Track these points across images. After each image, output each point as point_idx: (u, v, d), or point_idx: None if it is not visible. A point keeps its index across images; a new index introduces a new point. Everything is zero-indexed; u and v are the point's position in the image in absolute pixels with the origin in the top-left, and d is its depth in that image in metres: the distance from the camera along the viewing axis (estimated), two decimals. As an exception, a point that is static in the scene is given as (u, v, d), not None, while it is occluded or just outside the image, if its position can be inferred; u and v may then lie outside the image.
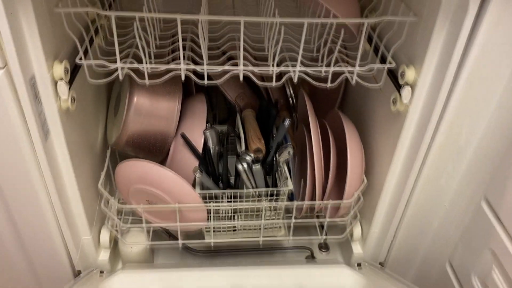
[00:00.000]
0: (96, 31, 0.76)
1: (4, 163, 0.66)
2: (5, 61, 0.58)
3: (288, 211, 0.91)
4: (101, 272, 0.90)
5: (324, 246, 1.04)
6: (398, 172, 0.81)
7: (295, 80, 0.71)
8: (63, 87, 0.66)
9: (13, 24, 0.56)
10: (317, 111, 0.90)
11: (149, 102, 0.85)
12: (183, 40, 0.67)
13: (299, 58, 0.70)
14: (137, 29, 0.66)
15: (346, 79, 1.05)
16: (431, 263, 0.88)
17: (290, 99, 1.10)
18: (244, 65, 0.69)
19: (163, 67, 0.68)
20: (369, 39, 0.80)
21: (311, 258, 1.02)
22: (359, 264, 0.95)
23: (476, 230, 0.73)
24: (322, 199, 0.87)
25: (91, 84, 0.73)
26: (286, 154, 0.84)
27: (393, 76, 0.75)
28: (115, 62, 0.67)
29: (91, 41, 0.72)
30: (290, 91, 1.09)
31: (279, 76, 0.73)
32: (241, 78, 0.69)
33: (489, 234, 0.69)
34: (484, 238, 0.70)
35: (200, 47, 0.70)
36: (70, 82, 0.69)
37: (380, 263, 0.93)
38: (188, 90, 1.02)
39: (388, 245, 0.89)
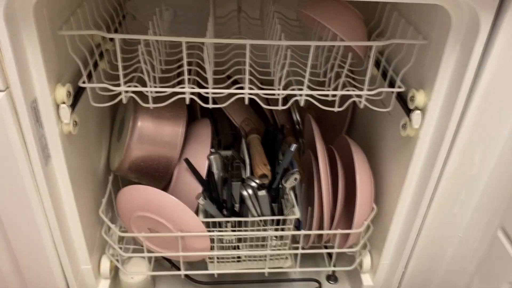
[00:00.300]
0: (101, 56, 0.75)
1: (2, 187, 0.65)
2: (6, 84, 0.57)
3: (295, 240, 0.88)
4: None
5: (332, 278, 1.00)
6: (409, 200, 0.78)
7: (302, 103, 0.69)
8: (65, 110, 0.65)
9: (16, 46, 0.56)
10: (324, 136, 0.88)
11: (153, 127, 0.84)
12: (188, 64, 0.66)
13: (306, 82, 0.68)
14: (142, 53, 0.65)
15: (354, 104, 1.04)
16: (446, 296, 0.84)
17: (297, 125, 1.08)
18: (250, 88, 0.67)
19: (168, 90, 0.67)
20: (377, 64, 0.79)
21: (319, 290, 0.98)
22: (369, 297, 0.91)
23: (493, 261, 0.69)
24: (330, 228, 0.84)
25: (95, 108, 0.72)
26: (292, 180, 0.82)
27: (403, 100, 0.73)
28: (119, 85, 0.66)
29: (95, 65, 0.72)
30: (296, 116, 1.08)
31: (286, 100, 0.71)
32: (246, 101, 0.68)
33: (507, 266, 0.65)
34: (502, 270, 0.66)
35: (206, 72, 0.69)
36: (73, 106, 0.67)
37: (391, 296, 0.88)
38: (193, 115, 1.01)
39: (400, 277, 0.85)
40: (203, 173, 0.83)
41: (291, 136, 1.05)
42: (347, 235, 0.84)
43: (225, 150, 0.96)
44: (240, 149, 0.93)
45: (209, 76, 0.68)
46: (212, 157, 0.84)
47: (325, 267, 0.92)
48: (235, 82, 0.77)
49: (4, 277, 0.77)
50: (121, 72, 0.64)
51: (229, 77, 0.77)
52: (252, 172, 0.84)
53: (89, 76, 0.69)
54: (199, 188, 0.83)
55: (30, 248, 0.73)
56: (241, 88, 0.68)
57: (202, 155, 0.84)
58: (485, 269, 0.71)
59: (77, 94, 0.69)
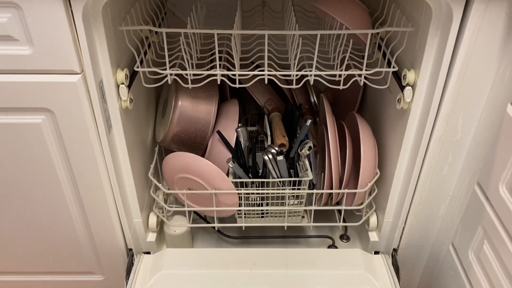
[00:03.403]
0: (149, 46, 0.93)
1: (77, 150, 0.83)
2: (82, 68, 0.75)
3: (310, 202, 1.04)
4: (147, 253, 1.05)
5: (345, 237, 1.15)
6: (405, 164, 0.91)
7: (312, 81, 0.84)
8: (124, 90, 0.83)
9: (89, 39, 0.73)
10: (339, 114, 1.03)
11: (191, 106, 1.01)
12: (219, 52, 0.82)
13: (314, 64, 0.83)
14: (183, 43, 0.82)
15: (364, 87, 1.18)
16: (439, 247, 0.97)
17: (314, 106, 1.23)
18: (269, 70, 0.83)
19: (204, 73, 0.83)
20: (380, 48, 0.92)
21: (333, 247, 1.13)
22: (377, 252, 1.06)
23: (472, 211, 0.82)
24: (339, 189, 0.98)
25: (144, 91, 0.89)
26: (307, 149, 0.97)
27: (398, 78, 0.87)
28: (165, 69, 0.83)
29: (144, 54, 0.89)
30: (313, 98, 1.23)
31: (300, 81, 0.86)
32: (266, 81, 0.83)
33: (481, 213, 0.78)
34: (478, 217, 0.80)
35: (233, 58, 0.85)
36: (129, 86, 0.85)
37: (394, 249, 1.03)
38: (224, 96, 1.17)
39: (400, 232, 0.99)
40: (232, 143, 1.00)
41: (308, 116, 1.20)
42: (354, 195, 0.99)
43: (251, 126, 1.12)
44: (264, 124, 1.08)
45: (236, 61, 0.84)
46: (239, 129, 1.00)
47: (336, 223, 1.07)
48: (258, 66, 0.93)
49: (74, 225, 0.96)
50: (167, 58, 0.81)
51: (253, 62, 0.92)
52: (272, 142, 1.00)
53: (141, 62, 0.86)
54: (229, 156, 1.00)
55: (96, 201, 0.91)
56: (262, 70, 0.84)
57: (232, 128, 1.01)
58: (466, 218, 0.85)
59: (132, 76, 0.87)
